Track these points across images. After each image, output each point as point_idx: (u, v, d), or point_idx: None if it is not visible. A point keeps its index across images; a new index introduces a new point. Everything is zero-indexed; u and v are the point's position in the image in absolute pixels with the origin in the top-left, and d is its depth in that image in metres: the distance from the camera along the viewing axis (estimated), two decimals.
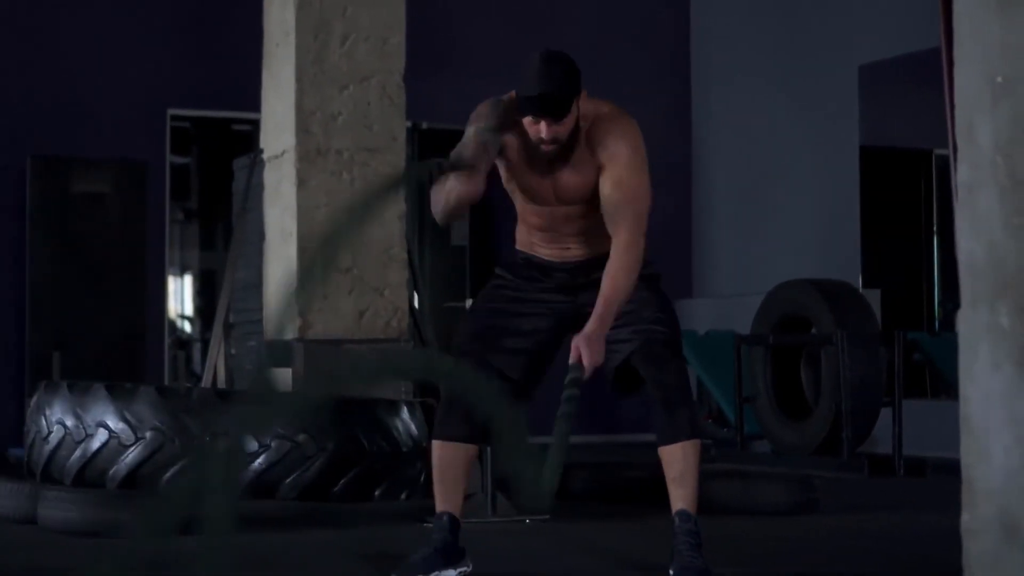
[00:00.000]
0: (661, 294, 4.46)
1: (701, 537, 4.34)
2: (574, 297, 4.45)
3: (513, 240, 4.59)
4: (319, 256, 3.50)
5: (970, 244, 2.85)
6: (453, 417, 4.39)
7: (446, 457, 4.39)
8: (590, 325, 4.15)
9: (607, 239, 4.30)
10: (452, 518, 4.39)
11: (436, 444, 4.42)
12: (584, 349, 4.10)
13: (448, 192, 4.14)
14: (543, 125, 4.19)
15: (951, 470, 8.14)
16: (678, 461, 4.33)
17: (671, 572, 4.30)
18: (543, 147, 4.24)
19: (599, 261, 4.30)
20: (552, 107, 4.17)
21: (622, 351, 4.35)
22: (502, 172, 4.40)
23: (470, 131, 4.26)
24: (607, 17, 12.20)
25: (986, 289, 2.81)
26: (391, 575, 4.32)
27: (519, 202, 4.47)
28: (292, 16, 7.11)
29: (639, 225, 4.25)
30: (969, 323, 2.83)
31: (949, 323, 11.17)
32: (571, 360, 4.12)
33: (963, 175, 2.86)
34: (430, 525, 4.59)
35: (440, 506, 4.41)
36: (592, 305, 4.21)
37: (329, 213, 6.97)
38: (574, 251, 4.45)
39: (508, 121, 4.27)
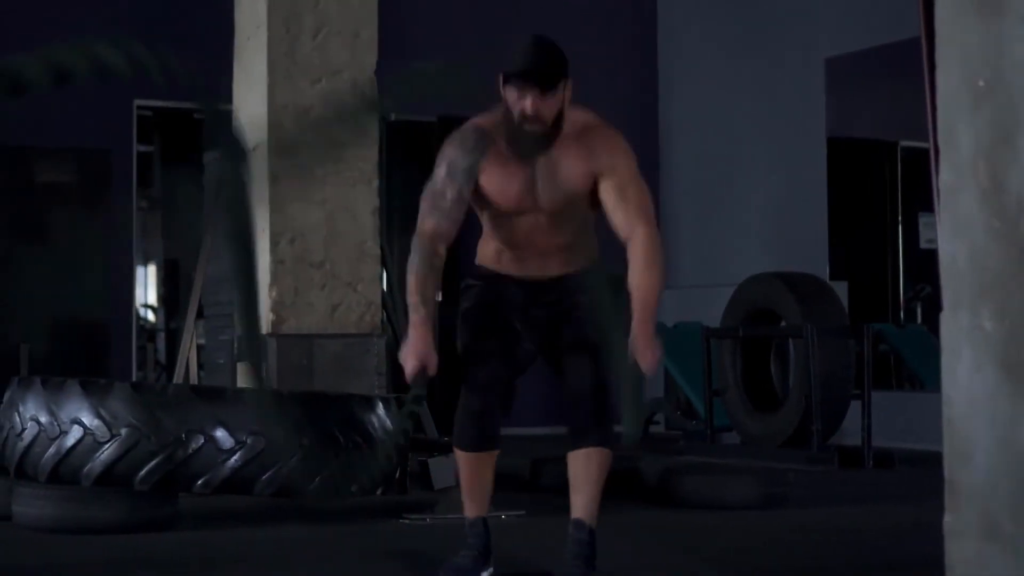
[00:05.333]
0: (605, 297, 4.35)
1: (594, 548, 4.27)
2: (534, 300, 4.37)
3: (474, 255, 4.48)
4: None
5: (951, 247, 2.85)
6: (472, 426, 4.36)
7: (471, 466, 4.41)
8: (635, 329, 4.12)
9: (580, 255, 4.30)
10: (484, 522, 4.47)
11: (460, 455, 4.43)
12: (639, 354, 4.08)
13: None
14: (528, 100, 4.08)
15: (918, 462, 8.23)
16: (581, 468, 4.28)
17: None
18: (526, 126, 4.10)
19: (570, 280, 4.29)
20: (539, 76, 4.07)
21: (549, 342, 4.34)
22: (473, 203, 4.29)
23: (442, 169, 4.21)
24: (575, 11, 12.20)
25: (968, 292, 2.82)
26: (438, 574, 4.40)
27: (488, 218, 4.33)
28: (264, 9, 7.08)
29: (651, 222, 4.26)
30: (951, 326, 2.83)
31: (913, 315, 11.23)
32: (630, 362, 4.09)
33: (944, 178, 2.87)
34: (407, 521, 4.61)
35: (472, 512, 4.46)
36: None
37: (302, 207, 6.96)
38: (546, 269, 4.34)
39: (482, 148, 4.19)
